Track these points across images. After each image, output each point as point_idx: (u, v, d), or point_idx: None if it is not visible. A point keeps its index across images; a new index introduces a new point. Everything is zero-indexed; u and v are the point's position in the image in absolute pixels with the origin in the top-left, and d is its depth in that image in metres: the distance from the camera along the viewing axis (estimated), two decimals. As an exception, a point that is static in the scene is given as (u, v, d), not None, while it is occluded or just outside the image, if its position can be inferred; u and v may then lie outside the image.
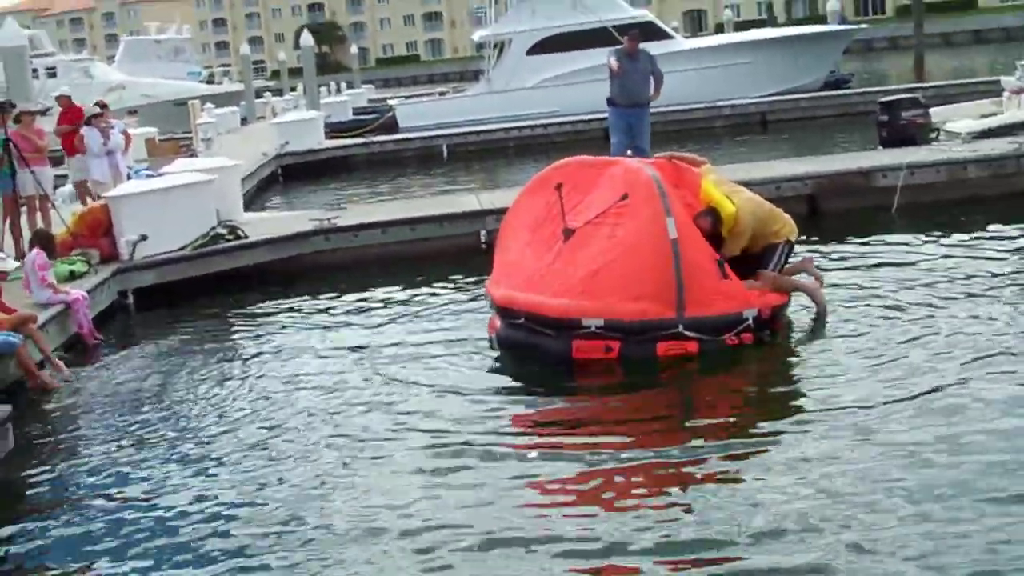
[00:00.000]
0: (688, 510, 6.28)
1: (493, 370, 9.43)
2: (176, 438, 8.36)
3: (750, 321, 9.21)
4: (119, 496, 7.30)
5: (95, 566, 6.30)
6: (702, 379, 8.92)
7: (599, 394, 8.67)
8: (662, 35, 35.80)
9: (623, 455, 7.14)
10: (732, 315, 9.14)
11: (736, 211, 9.45)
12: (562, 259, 9.24)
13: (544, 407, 8.42)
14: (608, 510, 6.38)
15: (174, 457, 7.95)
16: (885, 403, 7.64)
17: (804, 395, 8.23)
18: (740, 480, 6.62)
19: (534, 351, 9.20)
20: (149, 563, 6.24)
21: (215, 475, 7.54)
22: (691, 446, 7.24)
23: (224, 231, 14.40)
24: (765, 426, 7.56)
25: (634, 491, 6.62)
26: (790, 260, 9.99)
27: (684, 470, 6.85)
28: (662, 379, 8.84)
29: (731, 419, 7.89)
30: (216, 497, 7.10)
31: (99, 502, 7.23)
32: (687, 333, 8.96)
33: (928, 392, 7.78)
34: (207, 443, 8.20)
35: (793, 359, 9.18)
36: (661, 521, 6.14)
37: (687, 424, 7.89)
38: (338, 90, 56.86)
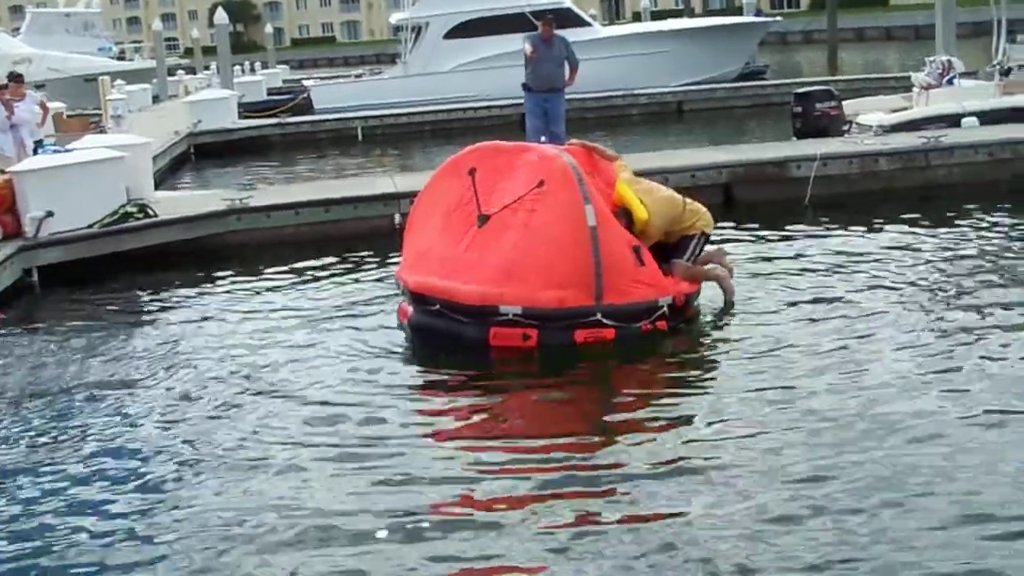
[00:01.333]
0: (601, 496, 6.27)
1: (404, 356, 9.31)
2: (78, 419, 8.15)
3: (665, 309, 9.25)
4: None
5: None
6: (620, 367, 8.90)
7: (513, 380, 8.61)
8: (579, 22, 35.79)
9: (539, 445, 7.11)
10: (648, 302, 9.16)
11: (648, 218, 9.49)
12: (477, 245, 9.12)
13: (455, 395, 8.32)
14: (518, 501, 6.30)
15: (72, 438, 7.76)
16: (790, 387, 7.82)
17: (718, 381, 8.27)
18: (658, 475, 6.58)
19: (449, 338, 9.06)
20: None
21: (111, 450, 7.40)
22: (609, 438, 7.22)
23: (134, 209, 14.13)
24: (682, 413, 7.60)
25: (550, 478, 6.58)
26: (705, 250, 10.06)
27: (602, 463, 6.79)
28: (580, 367, 8.78)
29: (649, 408, 7.85)
30: (109, 478, 6.95)
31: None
32: (605, 321, 8.95)
33: (828, 373, 8.04)
34: (108, 421, 8.03)
35: (706, 346, 9.22)
36: (576, 511, 6.12)
37: (605, 418, 7.83)
38: (252, 70, 56.13)
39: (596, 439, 7.21)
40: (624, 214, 9.47)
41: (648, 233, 9.51)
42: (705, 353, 9.06)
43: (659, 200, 9.71)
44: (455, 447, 7.26)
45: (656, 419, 7.54)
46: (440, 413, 8.03)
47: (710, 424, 7.27)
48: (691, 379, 8.44)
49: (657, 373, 8.81)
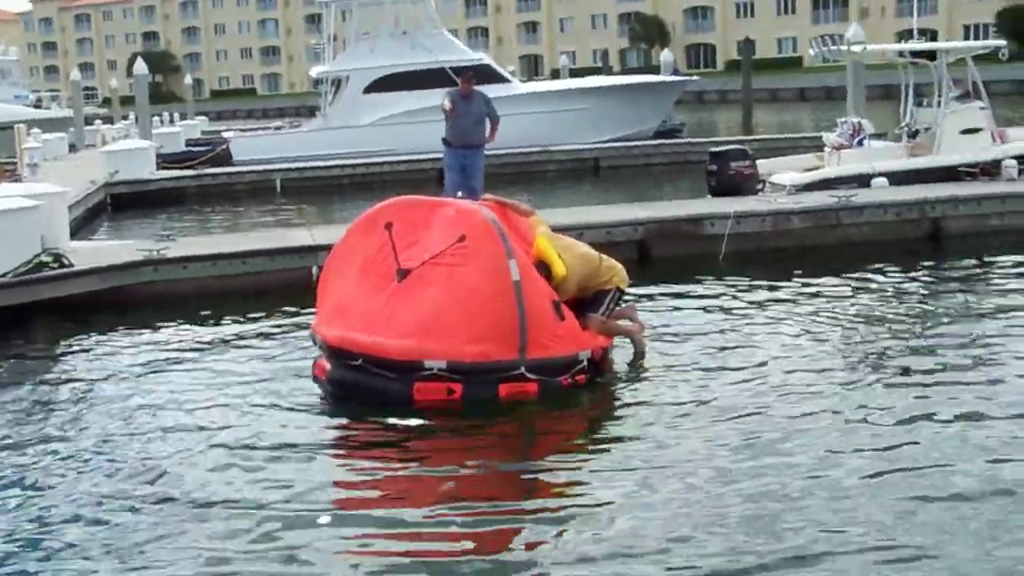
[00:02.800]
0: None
1: (319, 411, 9.25)
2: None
3: (584, 363, 9.36)
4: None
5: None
6: (543, 420, 8.97)
7: (434, 435, 8.60)
8: (498, 78, 36.16)
9: (462, 503, 7.14)
10: (570, 356, 9.25)
11: (566, 273, 9.65)
12: (398, 300, 9.09)
13: (374, 450, 8.28)
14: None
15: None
16: (707, 438, 7.99)
17: (637, 435, 8.32)
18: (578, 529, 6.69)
19: (371, 393, 8.96)
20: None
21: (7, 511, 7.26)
22: (533, 490, 7.36)
23: (48, 259, 13.98)
24: (603, 466, 7.71)
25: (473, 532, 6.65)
26: (619, 305, 10.21)
27: (525, 517, 6.86)
28: (501, 421, 8.81)
29: (571, 463, 7.96)
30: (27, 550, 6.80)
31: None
32: (528, 375, 9.00)
33: (737, 422, 8.30)
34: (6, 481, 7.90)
35: (622, 400, 9.28)
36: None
37: (527, 471, 7.89)
38: (171, 121, 55.84)
39: (520, 490, 7.30)
40: (542, 268, 9.59)
41: (565, 288, 9.65)
42: (622, 406, 9.13)
43: (577, 256, 9.86)
44: (378, 500, 7.27)
45: (578, 470, 7.66)
46: (360, 468, 7.99)
47: (628, 485, 7.34)
48: (610, 431, 8.54)
49: (578, 427, 8.92)
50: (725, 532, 6.35)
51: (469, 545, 6.45)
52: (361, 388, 9.05)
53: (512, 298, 8.87)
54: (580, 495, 7.17)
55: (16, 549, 6.63)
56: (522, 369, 8.97)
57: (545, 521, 6.71)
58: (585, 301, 9.89)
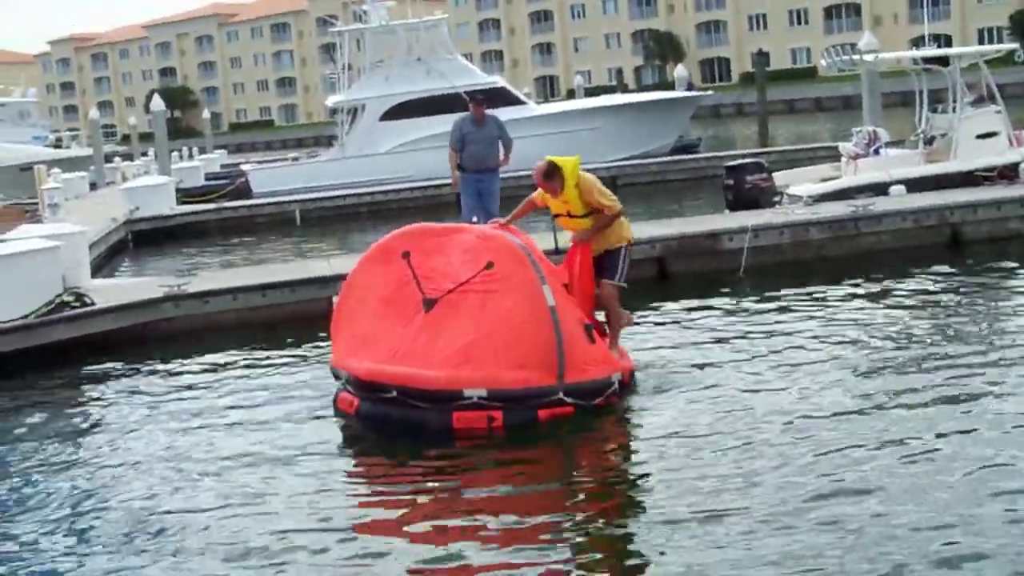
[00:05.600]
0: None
1: (350, 445, 9.26)
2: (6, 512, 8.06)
3: (616, 385, 9.37)
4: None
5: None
6: (581, 443, 8.93)
7: (473, 461, 8.54)
8: (514, 100, 36.29)
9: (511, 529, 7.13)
10: (603, 379, 9.27)
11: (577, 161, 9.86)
12: (429, 329, 9.02)
13: (408, 480, 8.24)
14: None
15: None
16: (745, 456, 7.92)
17: (671, 453, 8.26)
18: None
19: (407, 426, 8.86)
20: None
21: (36, 548, 7.29)
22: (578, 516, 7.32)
23: (70, 298, 14.05)
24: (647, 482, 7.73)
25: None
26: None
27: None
28: (541, 446, 8.80)
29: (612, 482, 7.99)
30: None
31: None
32: (566, 399, 8.97)
33: (770, 443, 8.15)
34: (35, 518, 7.92)
35: (652, 420, 9.20)
36: None
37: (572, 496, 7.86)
38: (190, 155, 56.10)
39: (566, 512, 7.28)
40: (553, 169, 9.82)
41: (583, 187, 9.84)
42: (652, 428, 8.97)
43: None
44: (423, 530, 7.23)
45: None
46: (393, 501, 7.95)
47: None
48: (649, 450, 8.43)
49: (614, 450, 8.90)
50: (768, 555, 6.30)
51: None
52: (396, 421, 8.95)
53: (549, 323, 8.86)
54: (620, 522, 7.16)
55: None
56: (560, 394, 8.95)
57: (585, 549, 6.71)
58: (599, 266, 9.97)
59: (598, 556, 6.59)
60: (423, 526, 7.21)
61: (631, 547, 6.62)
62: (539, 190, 10.10)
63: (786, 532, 6.52)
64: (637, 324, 11.27)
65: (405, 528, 7.24)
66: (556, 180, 9.82)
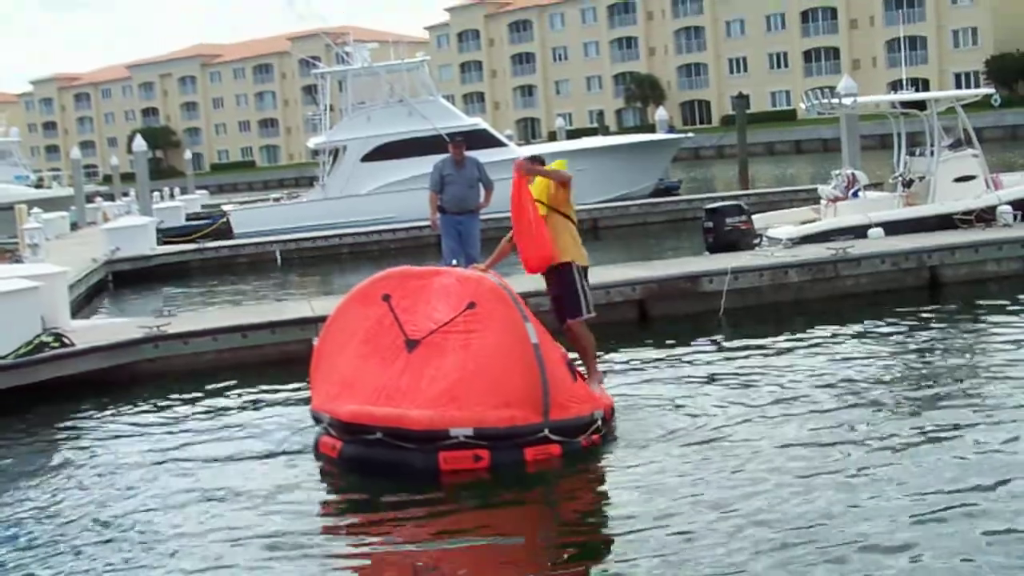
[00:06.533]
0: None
1: (333, 483, 9.22)
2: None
3: (599, 422, 9.40)
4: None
5: None
6: (564, 487, 8.95)
7: (456, 503, 8.52)
8: (495, 143, 36.40)
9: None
10: (587, 416, 9.30)
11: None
12: (412, 370, 9.00)
13: (392, 521, 8.22)
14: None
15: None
16: (725, 499, 7.92)
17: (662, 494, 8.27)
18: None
19: (393, 467, 8.80)
20: None
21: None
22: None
23: (49, 339, 14.00)
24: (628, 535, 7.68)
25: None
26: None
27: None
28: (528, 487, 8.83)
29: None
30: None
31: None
32: (552, 437, 8.99)
33: (752, 483, 8.12)
34: (14, 557, 7.88)
35: (633, 463, 9.16)
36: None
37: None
38: (171, 195, 56.11)
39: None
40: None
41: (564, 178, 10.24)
42: (631, 470, 8.96)
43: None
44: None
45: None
46: (375, 544, 7.93)
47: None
48: (630, 493, 8.40)
49: (598, 493, 8.89)
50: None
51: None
52: (381, 463, 8.90)
53: (534, 361, 8.89)
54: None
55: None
56: (546, 431, 8.97)
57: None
58: (556, 302, 10.30)
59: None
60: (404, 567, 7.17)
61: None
62: (510, 233, 10.20)
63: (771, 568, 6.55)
64: (618, 365, 11.28)
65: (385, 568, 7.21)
66: (536, 163, 10.40)
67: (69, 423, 12.21)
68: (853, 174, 20.63)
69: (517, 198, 9.97)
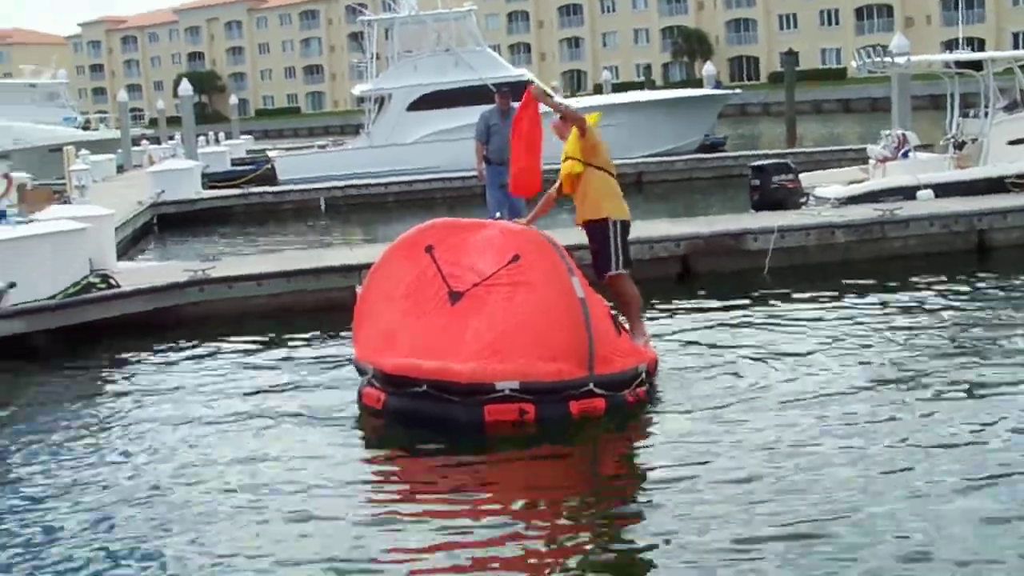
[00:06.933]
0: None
1: (375, 433, 9.25)
2: (26, 497, 8.09)
3: (643, 376, 9.38)
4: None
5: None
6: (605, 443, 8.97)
7: (499, 457, 8.54)
8: (542, 95, 36.16)
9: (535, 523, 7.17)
10: (631, 370, 9.26)
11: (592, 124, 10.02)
12: (457, 323, 8.99)
13: (434, 472, 8.25)
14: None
15: (17, 518, 7.69)
16: (767, 463, 7.87)
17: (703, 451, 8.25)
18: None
19: (438, 420, 8.82)
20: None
21: (60, 536, 7.28)
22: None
23: (96, 280, 14.13)
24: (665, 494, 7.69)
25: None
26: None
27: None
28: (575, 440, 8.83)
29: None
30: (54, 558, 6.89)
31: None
32: (597, 391, 8.97)
33: (794, 443, 8.14)
34: (62, 497, 7.98)
35: (673, 421, 9.12)
36: None
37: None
38: (216, 140, 56.23)
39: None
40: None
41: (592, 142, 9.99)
42: (672, 430, 8.91)
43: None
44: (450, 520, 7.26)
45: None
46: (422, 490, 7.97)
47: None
48: (670, 452, 8.36)
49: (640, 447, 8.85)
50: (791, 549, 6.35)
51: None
52: (426, 415, 8.92)
53: (580, 314, 8.86)
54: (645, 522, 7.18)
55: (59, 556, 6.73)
56: (591, 385, 8.94)
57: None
58: (593, 258, 10.20)
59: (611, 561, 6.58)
60: (446, 522, 7.19)
61: (648, 554, 6.61)
62: (556, 184, 10.14)
63: (807, 540, 6.53)
64: (660, 321, 11.22)
65: (426, 521, 7.24)
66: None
67: (112, 364, 12.34)
68: (904, 134, 20.37)
69: (521, 120, 9.97)
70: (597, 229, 10.13)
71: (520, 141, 10.01)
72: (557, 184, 10.20)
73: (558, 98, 9.48)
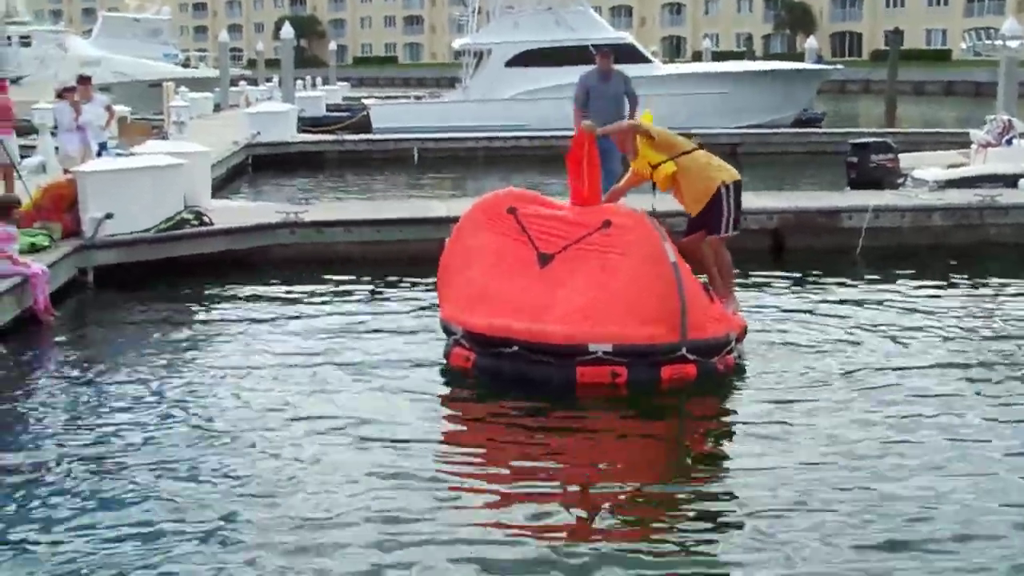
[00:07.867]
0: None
1: (466, 391, 9.28)
2: (119, 423, 8.28)
3: (733, 343, 9.37)
4: (55, 478, 7.20)
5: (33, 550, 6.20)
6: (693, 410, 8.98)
7: (590, 416, 8.57)
8: (640, 58, 35.98)
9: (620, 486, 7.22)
10: (722, 337, 9.25)
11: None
12: (548, 285, 9.02)
13: (524, 430, 8.26)
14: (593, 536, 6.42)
15: (115, 442, 7.88)
16: (861, 425, 7.98)
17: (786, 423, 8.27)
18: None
19: (530, 381, 8.88)
20: (92, 544, 6.20)
21: (154, 460, 7.46)
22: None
23: (190, 216, 14.34)
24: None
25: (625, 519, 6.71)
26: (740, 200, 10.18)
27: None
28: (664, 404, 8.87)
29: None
30: (156, 483, 7.05)
31: (34, 484, 7.09)
32: (689, 356, 8.96)
33: (879, 425, 8.08)
34: (150, 428, 8.14)
35: (757, 395, 9.08)
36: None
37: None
38: (313, 85, 56.62)
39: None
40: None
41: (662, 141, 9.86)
42: (766, 395, 8.97)
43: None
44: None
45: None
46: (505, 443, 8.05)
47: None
48: (753, 427, 8.33)
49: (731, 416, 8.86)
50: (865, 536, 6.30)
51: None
52: (517, 375, 8.98)
53: (673, 280, 8.85)
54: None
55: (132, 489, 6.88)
56: (683, 351, 8.94)
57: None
58: (701, 221, 9.96)
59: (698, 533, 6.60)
60: (531, 482, 7.24)
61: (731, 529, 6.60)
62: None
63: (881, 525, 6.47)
64: (749, 293, 11.11)
65: (514, 478, 7.32)
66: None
67: (205, 300, 12.55)
68: (1009, 120, 19.92)
69: (579, 160, 9.70)
70: (713, 201, 10.00)
71: (578, 167, 9.78)
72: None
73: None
